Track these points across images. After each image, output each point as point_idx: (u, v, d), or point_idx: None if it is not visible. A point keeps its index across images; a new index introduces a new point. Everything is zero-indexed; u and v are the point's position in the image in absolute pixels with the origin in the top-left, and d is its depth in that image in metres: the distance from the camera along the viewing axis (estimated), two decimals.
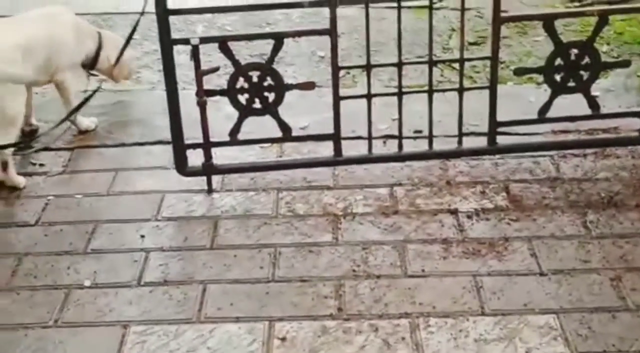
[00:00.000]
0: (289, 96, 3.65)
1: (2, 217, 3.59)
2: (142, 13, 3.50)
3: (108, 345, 2.88)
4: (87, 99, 3.83)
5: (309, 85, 3.68)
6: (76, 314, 3.02)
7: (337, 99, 3.60)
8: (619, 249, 3.23)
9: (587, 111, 3.75)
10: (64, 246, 3.37)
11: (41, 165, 3.90)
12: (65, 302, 3.07)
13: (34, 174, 3.84)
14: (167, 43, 3.46)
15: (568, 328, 2.87)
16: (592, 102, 3.73)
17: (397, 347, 2.82)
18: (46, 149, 3.95)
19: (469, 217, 3.45)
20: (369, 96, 3.62)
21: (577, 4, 5.10)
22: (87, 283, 3.16)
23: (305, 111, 4.09)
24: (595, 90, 3.88)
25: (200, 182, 3.69)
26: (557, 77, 3.67)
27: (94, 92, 3.92)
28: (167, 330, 2.93)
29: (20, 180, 3.75)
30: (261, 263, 3.23)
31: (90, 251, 3.34)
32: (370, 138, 3.69)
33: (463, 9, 3.53)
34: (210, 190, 3.67)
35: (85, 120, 4.15)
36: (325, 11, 3.52)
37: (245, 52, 4.64)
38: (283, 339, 2.87)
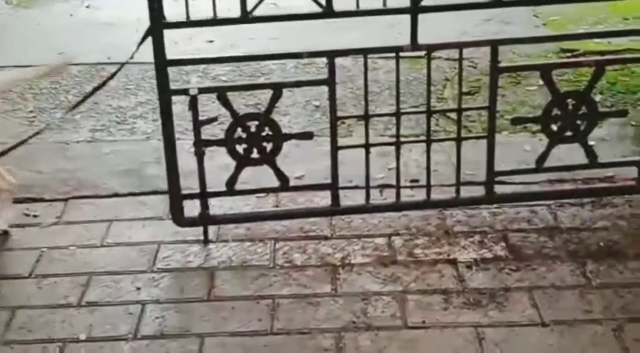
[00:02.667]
0: (285, 145, 3.62)
1: None
2: (123, 63, 3.42)
3: None
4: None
5: (307, 135, 3.67)
6: None
7: (335, 148, 3.59)
8: (620, 299, 3.21)
9: (583, 160, 3.74)
10: (58, 299, 3.31)
11: (35, 216, 3.86)
12: None
13: (27, 225, 3.78)
14: (165, 93, 3.45)
15: None
16: (589, 152, 3.73)
17: None
18: (40, 199, 3.91)
19: (469, 267, 3.42)
20: (367, 146, 3.61)
21: (569, 54, 5.14)
22: (82, 336, 3.10)
23: (300, 160, 4.07)
24: (590, 139, 3.87)
25: (196, 232, 3.65)
26: (554, 127, 3.67)
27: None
28: None
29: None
30: (259, 315, 3.18)
31: (85, 304, 3.28)
32: (367, 187, 3.67)
33: (461, 59, 3.54)
34: (206, 241, 3.63)
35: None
36: (320, 61, 3.52)
37: (240, 102, 4.63)
38: None
